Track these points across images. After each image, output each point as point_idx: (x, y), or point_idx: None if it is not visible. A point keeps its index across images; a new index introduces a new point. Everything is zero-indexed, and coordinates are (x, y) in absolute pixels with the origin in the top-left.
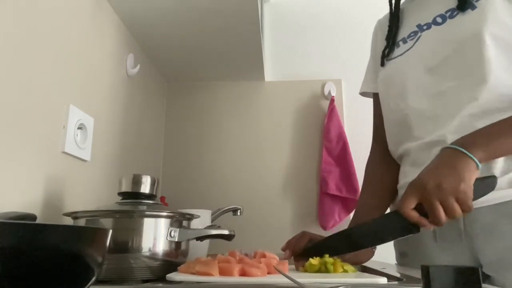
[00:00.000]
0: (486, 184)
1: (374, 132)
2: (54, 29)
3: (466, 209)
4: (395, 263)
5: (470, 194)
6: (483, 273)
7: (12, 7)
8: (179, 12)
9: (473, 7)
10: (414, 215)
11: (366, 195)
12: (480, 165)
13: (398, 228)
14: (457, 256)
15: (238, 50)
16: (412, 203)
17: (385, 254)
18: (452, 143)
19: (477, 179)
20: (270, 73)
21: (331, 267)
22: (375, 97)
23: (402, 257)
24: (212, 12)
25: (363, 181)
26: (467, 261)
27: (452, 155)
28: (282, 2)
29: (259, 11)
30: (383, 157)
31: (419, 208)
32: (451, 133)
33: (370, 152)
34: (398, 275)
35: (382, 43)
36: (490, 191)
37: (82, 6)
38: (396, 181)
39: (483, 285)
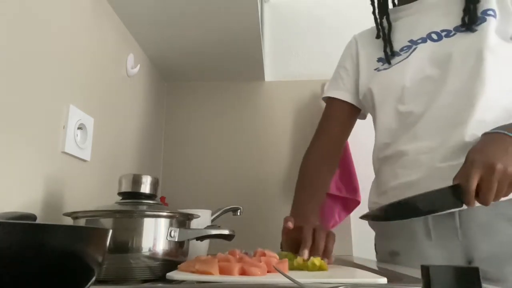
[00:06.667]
0: None
1: (320, 131)
2: (54, 29)
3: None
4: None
5: None
6: None
7: (11, 7)
8: (179, 12)
9: (473, 30)
10: (474, 192)
11: (306, 190)
12: None
13: (453, 201)
14: (450, 253)
15: (238, 50)
16: (477, 181)
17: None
18: (498, 129)
19: None
20: (270, 73)
21: (310, 265)
22: (346, 104)
23: (392, 256)
24: (212, 12)
25: (300, 177)
26: (459, 257)
27: (509, 142)
28: (282, 2)
29: (259, 11)
30: (325, 156)
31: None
32: (460, 138)
33: (311, 148)
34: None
35: (365, 57)
36: None
37: (82, 6)
38: (331, 179)
39: (483, 285)
